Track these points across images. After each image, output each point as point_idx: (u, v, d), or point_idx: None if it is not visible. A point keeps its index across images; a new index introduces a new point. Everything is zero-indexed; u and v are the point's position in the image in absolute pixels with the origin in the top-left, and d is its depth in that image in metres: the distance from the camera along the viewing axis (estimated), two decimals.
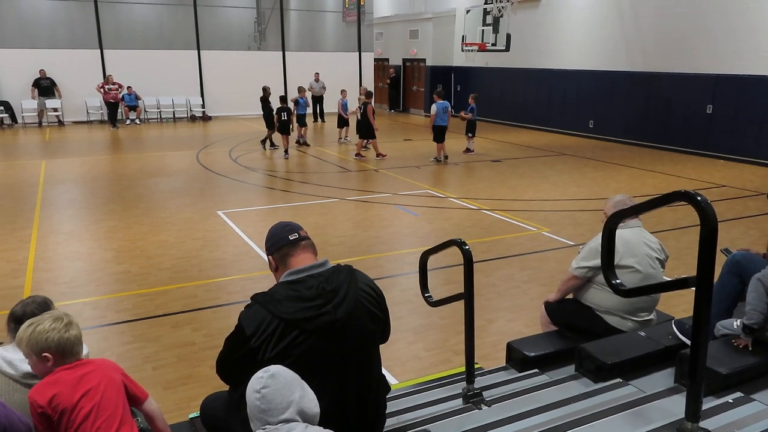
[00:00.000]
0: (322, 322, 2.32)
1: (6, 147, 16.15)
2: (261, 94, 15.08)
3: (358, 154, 14.46)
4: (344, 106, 16.58)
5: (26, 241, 7.76)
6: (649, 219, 7.23)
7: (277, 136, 14.86)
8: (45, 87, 19.81)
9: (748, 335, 3.12)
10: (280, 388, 1.98)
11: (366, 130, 14.14)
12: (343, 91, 17.09)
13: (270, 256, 2.52)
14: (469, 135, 15.10)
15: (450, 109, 14.11)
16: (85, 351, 2.69)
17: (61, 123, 20.05)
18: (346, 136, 16.80)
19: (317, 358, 2.33)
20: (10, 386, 2.51)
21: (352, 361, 2.42)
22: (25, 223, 8.55)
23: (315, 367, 2.33)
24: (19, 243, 7.70)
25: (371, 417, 2.55)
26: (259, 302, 2.38)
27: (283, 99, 14.90)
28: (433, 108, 13.70)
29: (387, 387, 2.70)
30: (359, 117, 14.32)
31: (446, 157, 13.79)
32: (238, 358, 2.38)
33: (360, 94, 15.09)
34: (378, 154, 14.21)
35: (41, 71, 19.67)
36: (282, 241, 2.47)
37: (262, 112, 15.18)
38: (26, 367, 2.51)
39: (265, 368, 2.02)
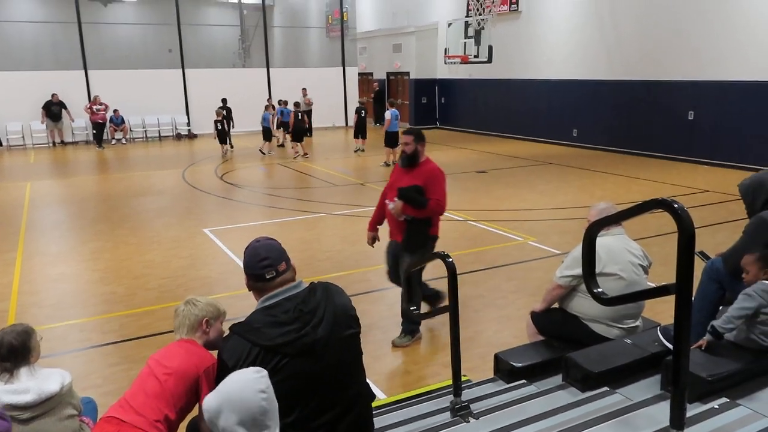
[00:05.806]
0: (302, 344, 2.33)
1: None
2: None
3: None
4: (265, 118, 17.67)
5: (11, 264, 7.68)
6: (634, 226, 7.26)
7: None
8: (55, 112, 19.49)
9: (711, 335, 3.16)
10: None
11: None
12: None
13: (246, 276, 2.53)
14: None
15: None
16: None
17: (53, 144, 19.89)
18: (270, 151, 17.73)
19: (301, 382, 2.33)
20: None
21: (338, 378, 2.42)
22: (10, 246, 8.47)
23: (300, 390, 2.33)
24: (3, 266, 7.62)
25: (360, 429, 2.55)
26: (237, 333, 2.38)
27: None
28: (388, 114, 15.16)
29: (372, 395, 2.70)
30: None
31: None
32: None
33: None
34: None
35: (53, 95, 19.37)
36: (258, 278, 2.46)
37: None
38: (6, 399, 2.45)
39: (253, 367, 2.10)
